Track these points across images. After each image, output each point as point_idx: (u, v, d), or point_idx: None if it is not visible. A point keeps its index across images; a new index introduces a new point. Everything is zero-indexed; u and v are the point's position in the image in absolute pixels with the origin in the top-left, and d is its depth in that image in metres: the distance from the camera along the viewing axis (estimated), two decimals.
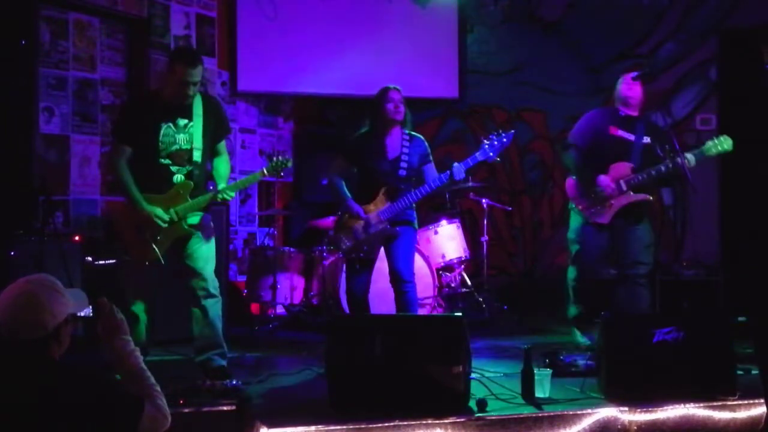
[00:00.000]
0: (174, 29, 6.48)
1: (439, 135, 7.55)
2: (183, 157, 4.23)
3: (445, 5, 7.37)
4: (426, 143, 4.81)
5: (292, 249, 6.50)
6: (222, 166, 4.40)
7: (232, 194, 4.30)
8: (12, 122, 5.35)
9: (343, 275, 5.13)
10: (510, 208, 7.17)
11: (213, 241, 4.39)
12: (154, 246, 4.18)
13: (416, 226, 4.84)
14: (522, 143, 7.67)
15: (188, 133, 4.24)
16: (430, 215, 6.77)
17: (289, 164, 4.33)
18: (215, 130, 4.36)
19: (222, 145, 4.44)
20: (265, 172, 4.33)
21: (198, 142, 4.25)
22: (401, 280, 4.63)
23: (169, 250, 4.26)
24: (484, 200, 6.56)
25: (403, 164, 4.67)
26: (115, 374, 2.46)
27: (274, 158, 4.33)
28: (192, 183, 4.24)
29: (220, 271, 5.75)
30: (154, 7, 6.34)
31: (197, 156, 4.25)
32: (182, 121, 4.23)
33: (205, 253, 4.29)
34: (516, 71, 7.58)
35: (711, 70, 7.26)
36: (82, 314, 2.47)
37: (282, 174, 4.39)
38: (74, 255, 4.97)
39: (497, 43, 7.62)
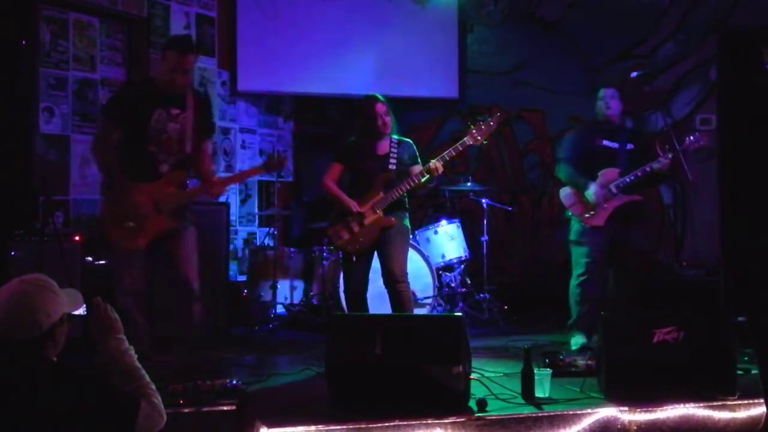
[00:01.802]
0: (174, 29, 6.48)
1: (439, 135, 7.54)
2: (172, 146, 4.21)
3: (445, 5, 7.37)
4: (414, 147, 4.89)
5: (292, 249, 6.50)
6: (205, 163, 4.38)
7: (221, 189, 4.28)
8: (12, 122, 5.36)
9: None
10: (510, 208, 7.17)
11: (194, 238, 4.33)
12: (137, 234, 4.12)
13: (408, 211, 4.88)
14: (522, 143, 7.67)
15: (179, 123, 4.22)
16: (430, 215, 6.76)
17: (285, 163, 4.34)
18: (203, 127, 4.36)
19: (206, 144, 4.42)
20: (258, 168, 4.35)
21: (189, 133, 4.23)
22: (394, 280, 4.66)
23: (155, 247, 4.20)
24: (484, 200, 6.56)
25: (392, 159, 4.75)
26: (110, 373, 2.46)
27: (272, 155, 4.34)
28: (182, 173, 4.22)
29: (220, 271, 5.80)
30: (154, 7, 6.34)
31: (188, 147, 4.23)
32: (175, 111, 4.22)
33: (187, 255, 4.27)
34: (516, 71, 7.58)
35: (711, 70, 7.24)
36: (77, 314, 2.47)
37: (281, 174, 4.38)
38: (74, 255, 4.97)
39: (497, 43, 7.61)
